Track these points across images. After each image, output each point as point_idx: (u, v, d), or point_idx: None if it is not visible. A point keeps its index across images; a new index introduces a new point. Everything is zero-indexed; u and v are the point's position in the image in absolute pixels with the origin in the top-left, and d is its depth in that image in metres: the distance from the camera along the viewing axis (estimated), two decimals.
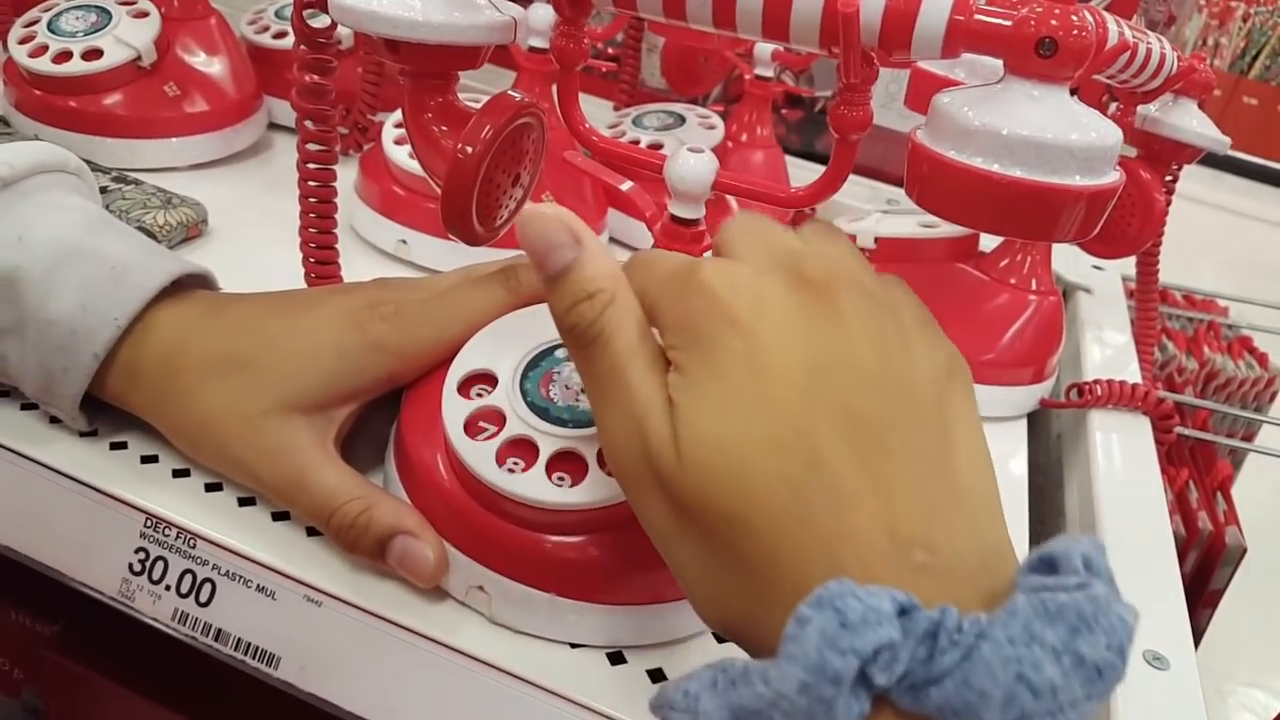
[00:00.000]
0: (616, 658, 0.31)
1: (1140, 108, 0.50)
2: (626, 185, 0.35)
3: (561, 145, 0.51)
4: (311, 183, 0.37)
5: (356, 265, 0.49)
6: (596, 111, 0.72)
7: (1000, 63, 0.27)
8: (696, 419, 0.23)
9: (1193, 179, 0.53)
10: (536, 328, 0.32)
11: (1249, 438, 0.80)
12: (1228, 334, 0.84)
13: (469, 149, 0.31)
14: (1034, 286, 0.49)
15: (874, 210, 0.56)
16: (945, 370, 0.24)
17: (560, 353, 0.32)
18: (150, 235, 0.46)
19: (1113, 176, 0.27)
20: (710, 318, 0.23)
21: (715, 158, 0.32)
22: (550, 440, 0.29)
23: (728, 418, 0.22)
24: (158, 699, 0.40)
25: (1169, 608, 0.38)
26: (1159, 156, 0.51)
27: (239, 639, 0.32)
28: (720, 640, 0.32)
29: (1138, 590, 0.38)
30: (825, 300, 0.24)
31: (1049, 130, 0.26)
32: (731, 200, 0.59)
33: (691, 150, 0.32)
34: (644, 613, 0.30)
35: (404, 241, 0.50)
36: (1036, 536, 0.44)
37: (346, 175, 0.54)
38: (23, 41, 0.54)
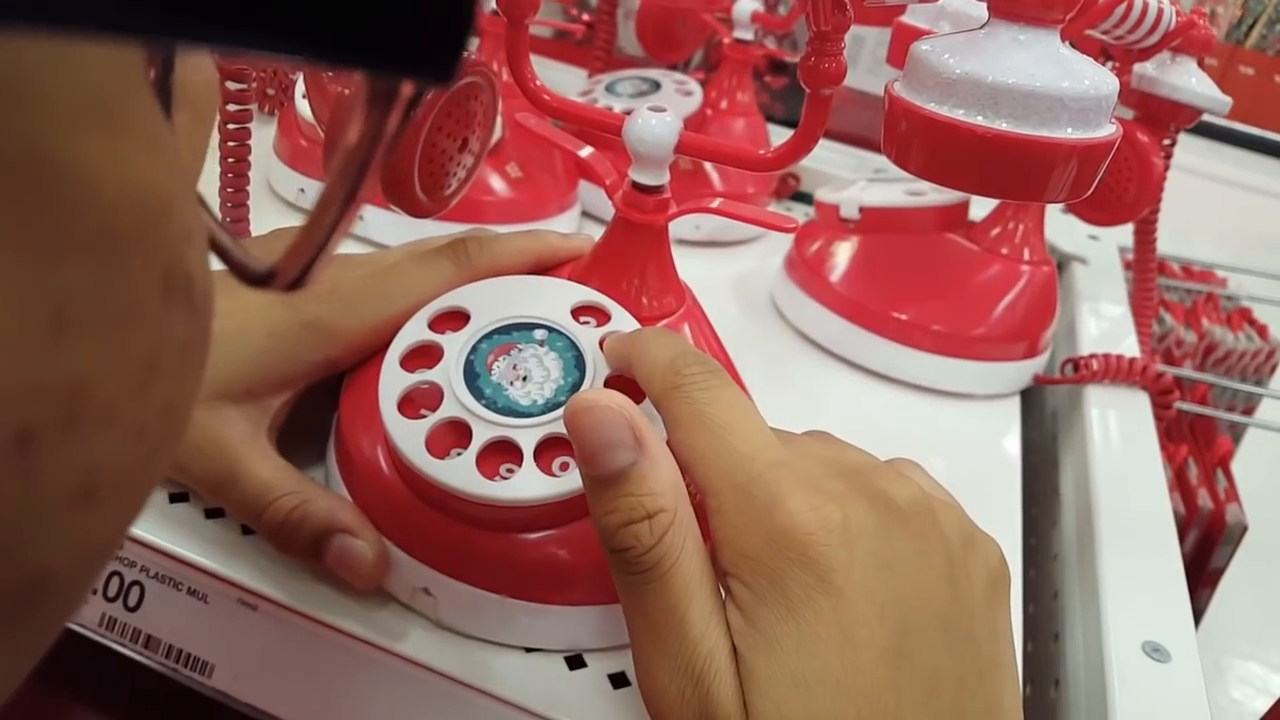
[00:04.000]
0: (575, 661, 0.28)
1: (1137, 66, 0.47)
2: (585, 151, 0.32)
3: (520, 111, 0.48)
4: (230, 143, 0.35)
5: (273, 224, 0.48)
6: (570, 80, 0.69)
7: (985, 10, 0.25)
8: (774, 689, 0.20)
9: (1189, 150, 0.51)
10: (495, 302, 0.30)
11: (1249, 411, 0.78)
12: (1227, 305, 0.82)
13: None
14: (1026, 257, 0.46)
15: (859, 179, 0.53)
16: (993, 582, 0.23)
17: (517, 333, 0.29)
18: None
19: (1108, 129, 0.25)
20: (798, 569, 0.21)
21: (678, 118, 0.29)
22: (486, 427, 0.27)
23: (812, 695, 0.20)
24: (92, 705, 0.38)
25: (1169, 596, 0.36)
26: (1157, 118, 0.49)
27: (170, 645, 0.29)
28: None
29: (1137, 577, 0.36)
30: (916, 533, 0.22)
31: (1037, 78, 0.23)
32: (711, 171, 0.56)
33: (652, 109, 0.29)
34: (604, 613, 0.28)
35: (302, 190, 0.50)
36: (1030, 519, 0.42)
37: (268, 133, 0.53)
38: None
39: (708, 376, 0.24)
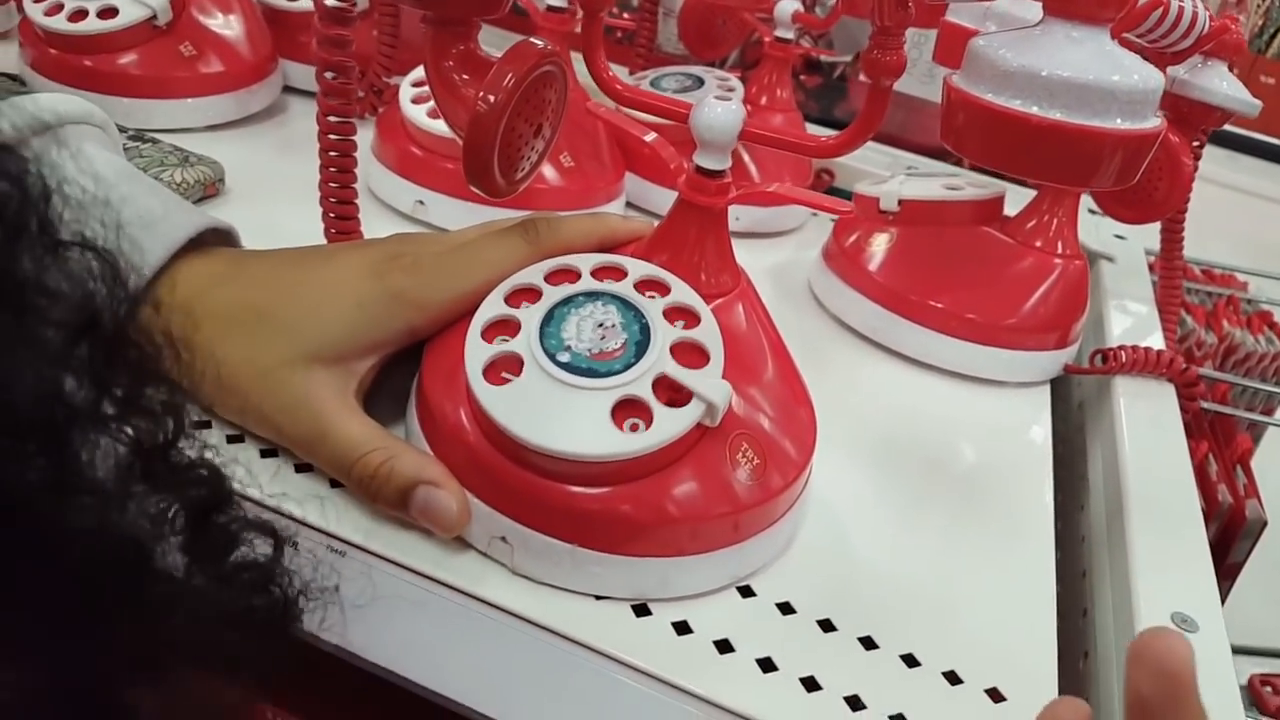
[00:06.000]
0: (641, 610, 0.30)
1: (1169, 69, 0.49)
2: (650, 136, 0.34)
3: (576, 106, 0.50)
4: (332, 136, 0.37)
5: (375, 227, 0.49)
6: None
7: (1032, 16, 0.27)
8: None
9: (1209, 159, 0.52)
10: (566, 276, 0.32)
11: (1269, 412, 0.79)
12: (1247, 309, 0.83)
13: (491, 98, 0.30)
14: (1060, 250, 0.48)
15: (896, 174, 0.55)
16: None
17: (588, 304, 0.32)
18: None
19: (1154, 122, 0.26)
20: None
21: (742, 107, 0.31)
22: (565, 390, 0.29)
23: None
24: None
25: (1197, 571, 0.37)
26: (1187, 120, 0.50)
27: None
28: (745, 595, 0.32)
29: (1164, 554, 0.38)
30: None
31: (1090, 71, 0.25)
32: (750, 164, 0.58)
33: (718, 98, 0.31)
34: (668, 565, 0.30)
35: (421, 202, 0.49)
36: (1057, 504, 0.43)
37: (363, 138, 0.53)
38: (38, 0, 0.53)
39: None
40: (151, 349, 0.20)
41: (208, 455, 0.21)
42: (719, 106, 0.31)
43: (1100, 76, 0.25)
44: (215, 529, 0.21)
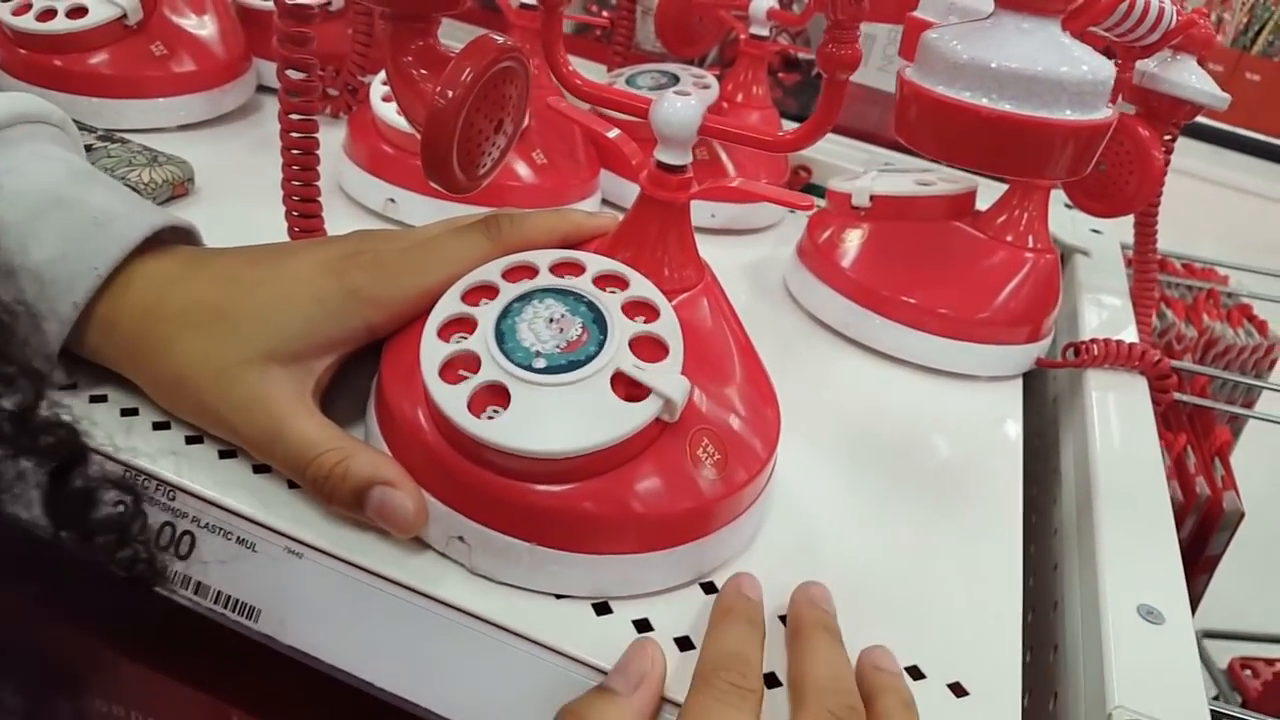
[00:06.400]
0: (602, 608, 0.30)
1: (1139, 63, 0.49)
2: (613, 133, 0.34)
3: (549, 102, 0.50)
4: (294, 134, 0.36)
5: (345, 226, 0.49)
6: (590, 74, 0.71)
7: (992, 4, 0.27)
8: None
9: (1194, 155, 0.53)
10: (523, 273, 0.32)
11: (1249, 405, 0.80)
12: (1227, 302, 0.84)
13: (450, 93, 0.30)
14: (1030, 244, 0.48)
15: (870, 170, 0.55)
16: None
17: (538, 298, 0.31)
18: (135, 193, 0.46)
19: (1105, 112, 0.26)
20: None
21: (702, 102, 0.31)
22: (524, 388, 0.29)
23: None
24: (134, 657, 0.40)
25: (1164, 563, 0.37)
26: (1157, 114, 0.50)
27: (219, 591, 0.31)
28: (708, 591, 0.32)
29: (1132, 546, 0.38)
30: None
31: (1039, 63, 0.25)
32: (727, 162, 0.58)
33: (677, 94, 0.31)
34: (629, 562, 0.30)
35: (392, 200, 0.49)
36: (1030, 497, 0.43)
37: (336, 137, 0.53)
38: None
39: None
40: (7, 318, 0.20)
41: (64, 416, 0.22)
42: (678, 102, 0.31)
43: (1049, 68, 0.25)
44: (74, 488, 0.22)
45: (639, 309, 0.32)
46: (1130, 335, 0.55)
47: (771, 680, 0.29)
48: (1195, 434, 0.71)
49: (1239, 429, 0.81)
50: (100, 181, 0.34)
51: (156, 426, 0.33)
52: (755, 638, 0.29)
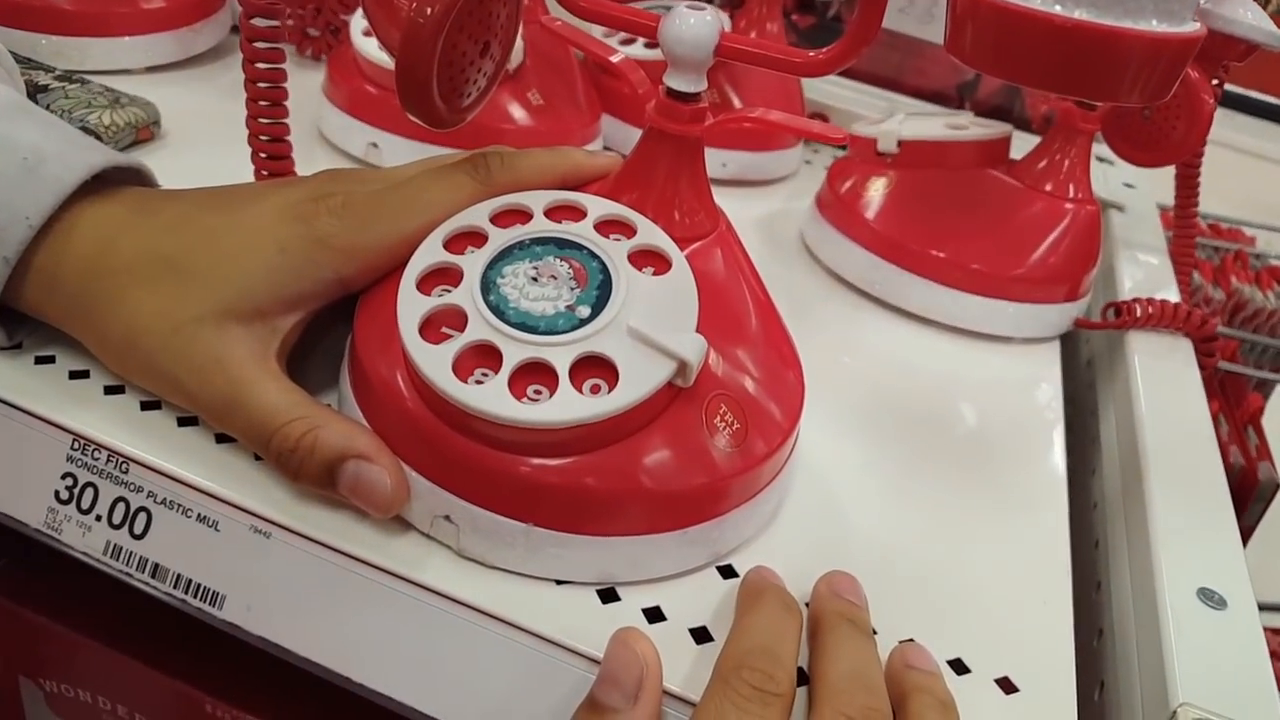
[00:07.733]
0: (608, 595, 0.27)
1: None
2: (616, 57, 0.30)
3: (546, 37, 0.46)
4: (260, 64, 0.32)
5: None
6: None
7: None
8: None
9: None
10: (515, 217, 0.28)
11: (1278, 370, 0.77)
12: (1255, 264, 0.81)
13: (428, 10, 0.26)
14: (1071, 194, 0.44)
15: (896, 114, 0.51)
16: None
17: (532, 245, 0.28)
18: (94, 136, 0.42)
19: (1193, 25, 0.23)
20: None
21: (719, 17, 0.27)
22: (516, 347, 0.25)
23: None
24: (106, 642, 0.37)
25: (1224, 543, 0.34)
26: (1208, 53, 0.46)
27: (179, 575, 0.28)
28: (726, 576, 0.29)
29: (1190, 525, 0.35)
30: None
31: None
32: (736, 100, 0.54)
33: (690, 7, 0.27)
34: (638, 544, 0.26)
35: (375, 145, 0.45)
36: (1070, 469, 0.40)
37: (318, 80, 0.49)
38: None
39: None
40: None
41: None
42: (691, 16, 0.27)
43: None
44: None
45: (647, 258, 0.28)
46: (1171, 295, 0.51)
47: (804, 677, 0.26)
48: (1227, 401, 0.68)
49: (1268, 393, 0.78)
50: (33, 116, 0.30)
51: (109, 391, 0.30)
52: (789, 627, 0.25)
